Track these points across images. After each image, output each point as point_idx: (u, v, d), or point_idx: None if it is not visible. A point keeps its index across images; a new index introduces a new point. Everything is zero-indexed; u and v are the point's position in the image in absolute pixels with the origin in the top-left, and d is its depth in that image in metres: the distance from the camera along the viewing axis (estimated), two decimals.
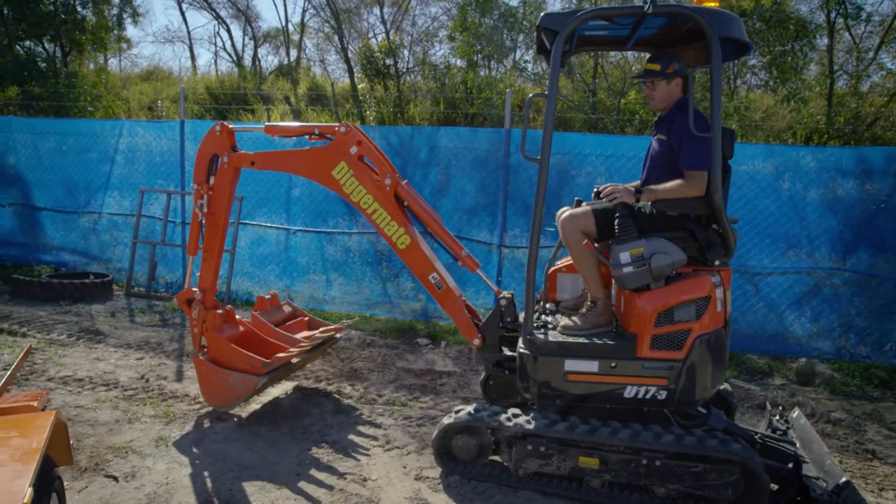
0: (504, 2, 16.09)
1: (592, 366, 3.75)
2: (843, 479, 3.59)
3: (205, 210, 4.76)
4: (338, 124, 4.38)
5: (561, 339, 3.84)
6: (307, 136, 4.57)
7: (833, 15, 12.62)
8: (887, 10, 13.43)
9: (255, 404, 5.11)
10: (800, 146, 10.28)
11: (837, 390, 6.18)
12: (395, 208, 4.40)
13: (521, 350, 3.86)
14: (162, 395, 5.17)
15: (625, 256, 3.71)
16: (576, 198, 4.41)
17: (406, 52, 17.30)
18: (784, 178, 7.33)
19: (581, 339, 3.83)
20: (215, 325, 4.75)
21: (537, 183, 3.75)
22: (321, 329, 5.63)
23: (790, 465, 3.77)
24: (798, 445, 4.17)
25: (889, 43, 13.10)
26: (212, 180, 4.74)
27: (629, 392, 3.77)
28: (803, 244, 7.26)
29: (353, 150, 4.34)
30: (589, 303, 4.06)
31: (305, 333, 5.61)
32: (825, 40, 12.80)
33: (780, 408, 5.09)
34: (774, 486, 3.77)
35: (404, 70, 16.35)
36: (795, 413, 4.63)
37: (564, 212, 4.13)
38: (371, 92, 16.01)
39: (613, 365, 3.74)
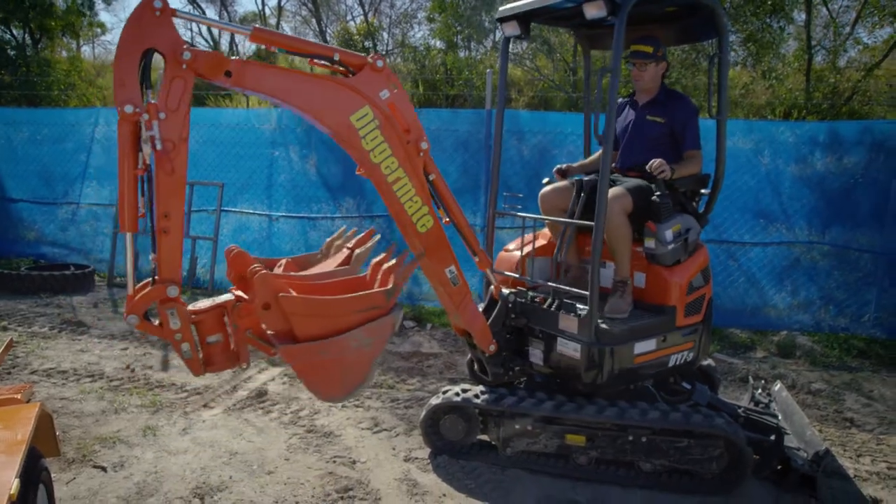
0: None
1: (651, 344, 3.85)
2: (823, 448, 3.67)
3: (158, 148, 2.64)
4: (371, 55, 3.09)
5: (630, 325, 3.80)
6: (311, 65, 3.32)
7: None
8: None
9: (243, 391, 5.11)
10: (778, 121, 10.39)
11: (817, 362, 6.30)
12: (422, 181, 3.38)
13: (589, 342, 3.69)
14: (148, 385, 5.15)
15: (669, 234, 3.83)
16: (555, 170, 4.38)
17: (385, 35, 17.15)
18: (763, 153, 7.40)
19: (643, 322, 3.86)
20: (275, 287, 2.73)
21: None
22: (351, 243, 3.65)
23: (772, 437, 3.85)
24: (780, 417, 4.25)
25: (865, 17, 13.19)
26: (151, 97, 2.73)
27: (672, 360, 3.97)
28: (782, 218, 7.34)
29: (385, 94, 3.13)
30: (619, 283, 3.95)
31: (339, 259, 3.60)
32: (802, 15, 12.89)
33: (763, 381, 5.18)
34: (757, 458, 3.85)
35: (383, 52, 16.20)
36: (777, 386, 4.72)
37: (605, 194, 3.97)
38: None
39: (664, 339, 3.89)
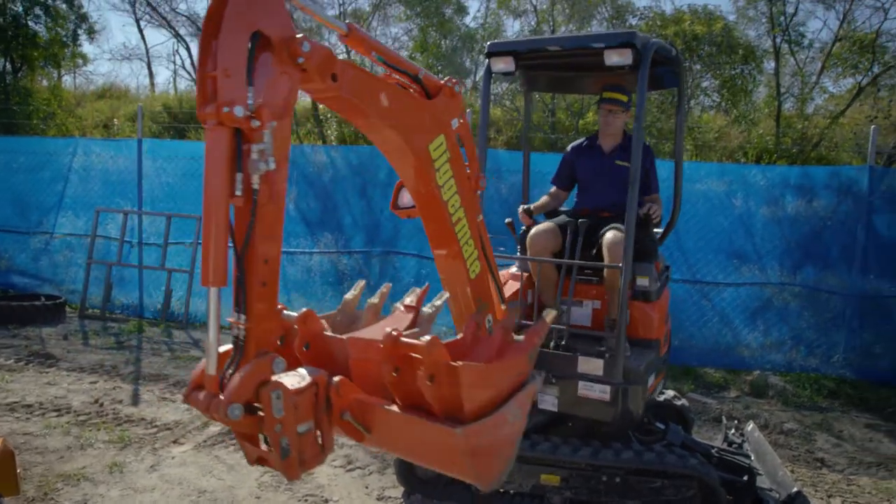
0: (464, 24, 16.33)
1: (653, 378, 3.93)
2: (794, 490, 3.70)
3: (271, 167, 1.82)
4: (447, 79, 2.57)
5: (645, 361, 3.78)
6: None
7: (778, 41, 13.18)
8: (827, 38, 14.10)
9: (215, 426, 5.01)
10: (751, 165, 10.65)
11: (789, 401, 6.36)
12: (474, 220, 2.89)
13: (619, 383, 3.65)
14: (117, 420, 5.04)
15: (655, 272, 3.97)
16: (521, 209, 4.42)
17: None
18: (736, 195, 7.58)
19: (650, 357, 3.86)
20: (444, 354, 2.10)
21: None
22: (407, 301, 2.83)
23: (745, 478, 3.87)
24: (753, 458, 4.28)
25: (830, 68, 13.72)
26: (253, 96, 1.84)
27: (658, 387, 4.07)
28: (755, 259, 7.49)
29: (455, 123, 2.63)
30: (613, 321, 3.90)
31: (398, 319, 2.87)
32: (772, 64, 13.35)
33: (736, 421, 5.22)
34: (730, 498, 3.86)
35: None
36: (750, 426, 4.75)
37: (606, 234, 4.02)
38: (332, 111, 16.01)
39: (659, 369, 4.00)
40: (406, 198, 2.84)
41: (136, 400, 5.54)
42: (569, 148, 4.44)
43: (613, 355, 3.69)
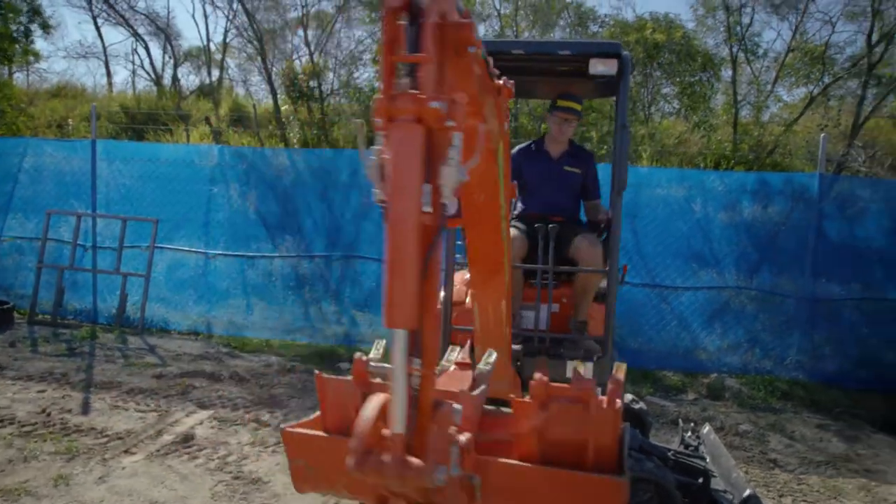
0: None
1: None
2: (748, 492, 3.75)
3: (464, 178, 1.47)
4: (505, 78, 2.23)
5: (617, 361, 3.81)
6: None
7: (735, 50, 13.48)
8: (781, 49, 14.51)
9: (168, 435, 4.89)
10: (709, 171, 10.87)
11: (745, 403, 6.49)
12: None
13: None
14: (65, 430, 4.87)
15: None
16: None
17: (331, 75, 17.22)
18: (696, 200, 7.72)
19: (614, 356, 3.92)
20: None
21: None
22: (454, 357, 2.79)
23: (700, 480, 3.91)
24: (708, 460, 4.33)
25: (784, 77, 14.10)
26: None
27: None
28: (712, 263, 7.64)
29: (506, 126, 2.42)
30: (583, 323, 4.05)
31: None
32: (729, 72, 13.65)
33: (692, 424, 5.29)
34: (687, 501, 3.90)
35: (328, 92, 16.26)
36: (706, 429, 4.82)
37: (580, 239, 4.06)
38: (294, 114, 15.83)
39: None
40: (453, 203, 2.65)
41: (86, 409, 5.37)
42: (514, 151, 4.41)
43: (601, 357, 3.75)
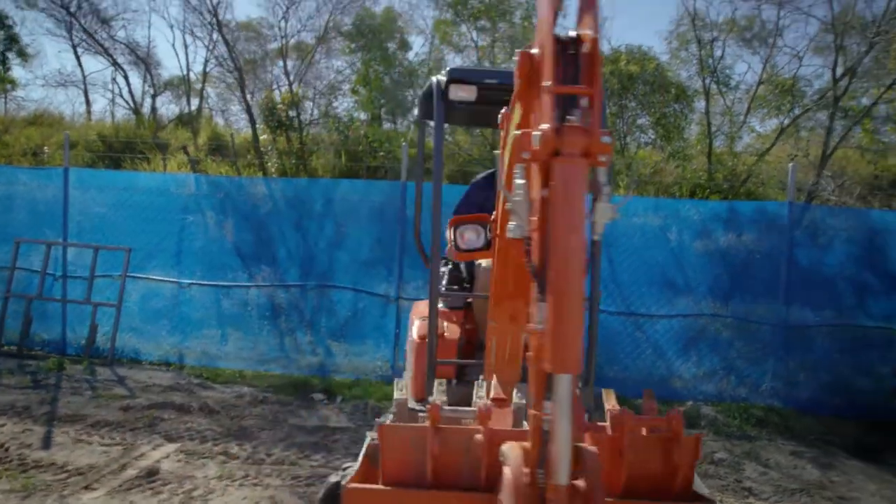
0: (406, 59, 16.51)
1: None
2: None
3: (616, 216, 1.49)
4: None
5: None
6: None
7: (708, 81, 13.77)
8: (752, 81, 14.85)
9: (133, 469, 4.76)
10: (685, 199, 11.01)
11: (720, 431, 6.47)
12: None
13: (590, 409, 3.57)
14: (22, 466, 4.72)
15: None
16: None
17: (310, 104, 17.32)
18: (671, 229, 7.80)
19: None
20: None
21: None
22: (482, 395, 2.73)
23: None
24: None
25: (756, 108, 14.40)
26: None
27: None
28: (686, 291, 7.68)
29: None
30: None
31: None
32: (703, 104, 13.91)
33: None
34: None
35: (307, 122, 16.33)
36: None
37: None
38: (273, 143, 15.85)
39: None
40: (470, 237, 2.62)
41: (47, 443, 5.22)
42: (476, 181, 4.42)
43: (586, 383, 3.72)
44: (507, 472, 1.52)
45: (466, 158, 13.61)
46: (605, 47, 19.24)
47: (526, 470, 1.48)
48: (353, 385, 7.30)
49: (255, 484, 4.65)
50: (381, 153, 14.49)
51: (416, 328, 4.06)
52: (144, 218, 8.40)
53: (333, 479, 3.90)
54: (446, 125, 5.14)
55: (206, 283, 8.23)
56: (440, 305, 4.27)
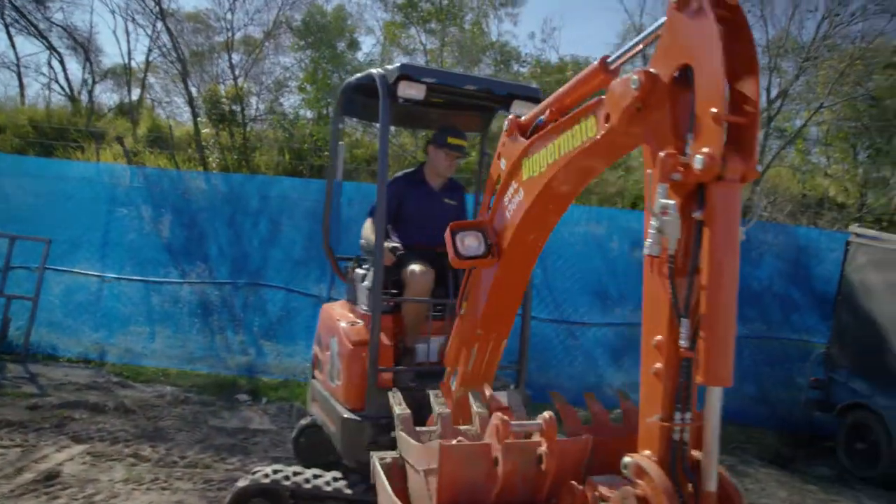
0: (355, 58, 16.36)
1: None
2: None
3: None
4: None
5: None
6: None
7: None
8: None
9: (30, 473, 4.50)
10: (626, 210, 11.20)
11: None
12: None
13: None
14: None
15: None
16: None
17: (255, 100, 16.97)
18: (612, 238, 7.89)
19: None
20: None
21: None
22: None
23: None
24: None
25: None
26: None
27: None
28: (622, 300, 7.77)
29: None
30: None
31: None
32: None
33: None
34: None
35: (251, 117, 16.00)
36: None
37: None
38: (216, 137, 15.47)
39: None
40: (471, 244, 2.60)
41: None
42: (392, 181, 4.29)
43: (517, 385, 3.82)
44: (649, 485, 1.62)
45: (411, 161, 13.55)
46: (552, 57, 19.49)
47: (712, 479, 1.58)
48: (281, 386, 7.13)
49: (164, 488, 4.46)
50: (326, 152, 14.31)
51: (345, 333, 3.92)
52: (71, 209, 8.03)
53: (241, 483, 3.78)
54: (359, 122, 5.04)
55: (131, 277, 7.92)
56: (362, 309, 4.16)
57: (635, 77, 1.71)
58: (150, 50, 18.63)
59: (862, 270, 6.83)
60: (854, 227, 7.26)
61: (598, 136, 1.93)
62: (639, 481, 1.65)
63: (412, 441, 2.32)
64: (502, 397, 2.47)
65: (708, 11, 1.56)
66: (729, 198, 1.53)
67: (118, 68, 21.99)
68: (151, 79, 21.46)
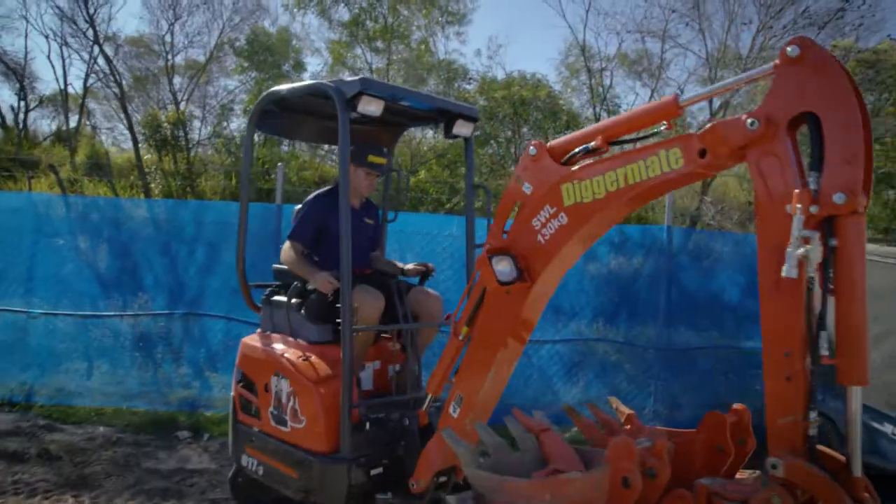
0: (301, 79, 16.12)
1: None
2: None
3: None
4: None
5: None
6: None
7: (598, 109, 14.22)
8: None
9: None
10: None
11: None
12: None
13: None
14: None
15: None
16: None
17: (199, 124, 16.54)
18: None
19: None
20: None
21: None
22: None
23: None
24: None
25: (644, 138, 15.03)
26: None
27: None
28: (574, 315, 7.64)
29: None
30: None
31: None
32: None
33: None
34: None
35: (195, 142, 15.56)
36: None
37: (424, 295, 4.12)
38: (159, 163, 14.98)
39: None
40: (505, 269, 2.63)
41: None
42: (314, 199, 4.11)
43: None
44: (811, 481, 1.97)
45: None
46: (499, 73, 19.64)
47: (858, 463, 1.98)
48: (223, 420, 6.70)
49: None
50: (275, 175, 13.98)
51: (301, 370, 3.60)
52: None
53: None
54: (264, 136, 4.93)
55: (59, 312, 7.44)
56: (306, 340, 3.88)
57: (753, 119, 1.99)
58: (87, 75, 18.03)
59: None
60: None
61: (687, 169, 2.19)
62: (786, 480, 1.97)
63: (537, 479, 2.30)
64: (542, 418, 2.70)
65: (839, 69, 1.87)
66: (860, 227, 1.86)
67: (55, 95, 21.26)
68: (93, 105, 20.82)
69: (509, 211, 2.71)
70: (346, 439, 3.36)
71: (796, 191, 1.89)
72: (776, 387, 1.97)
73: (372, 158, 3.99)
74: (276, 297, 4.11)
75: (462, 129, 4.00)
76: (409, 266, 4.32)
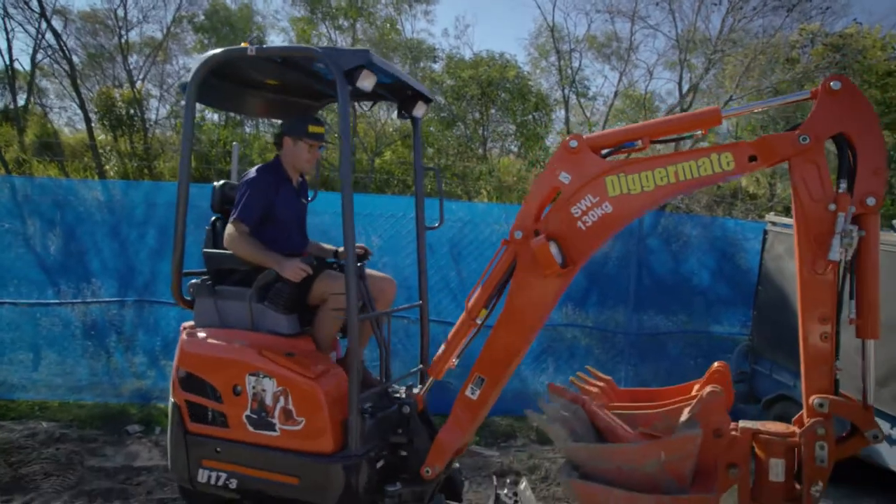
0: None
1: None
2: None
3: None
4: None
5: None
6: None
7: (567, 91, 14.01)
8: (609, 93, 15.36)
9: None
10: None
11: (546, 440, 6.22)
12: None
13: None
14: None
15: None
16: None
17: (156, 103, 15.91)
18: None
19: None
20: None
21: None
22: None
23: None
24: None
25: (613, 120, 14.89)
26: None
27: None
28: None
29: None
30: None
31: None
32: (563, 113, 14.15)
33: (507, 480, 4.89)
34: None
35: (153, 122, 14.95)
36: (522, 484, 4.42)
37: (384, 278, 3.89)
38: (114, 144, 14.36)
39: None
40: (557, 252, 2.75)
41: None
42: (258, 176, 3.60)
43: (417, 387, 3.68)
44: (850, 410, 2.60)
45: (328, 165, 12.92)
46: (466, 53, 19.30)
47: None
48: None
49: None
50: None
51: (289, 367, 3.22)
52: None
53: None
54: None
55: (3, 301, 6.99)
56: (277, 332, 3.53)
57: (805, 136, 2.50)
58: (34, 51, 17.13)
59: (780, 259, 6.69)
60: (770, 216, 7.16)
61: (737, 171, 2.62)
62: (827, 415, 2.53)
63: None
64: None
65: (868, 102, 2.50)
66: (878, 222, 2.51)
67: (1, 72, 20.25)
68: (45, 83, 19.90)
69: (544, 198, 2.85)
70: (356, 436, 3.10)
71: (840, 193, 2.47)
72: (814, 344, 2.60)
73: (313, 129, 3.60)
74: (225, 287, 3.66)
75: (420, 110, 3.89)
76: (342, 249, 3.81)
